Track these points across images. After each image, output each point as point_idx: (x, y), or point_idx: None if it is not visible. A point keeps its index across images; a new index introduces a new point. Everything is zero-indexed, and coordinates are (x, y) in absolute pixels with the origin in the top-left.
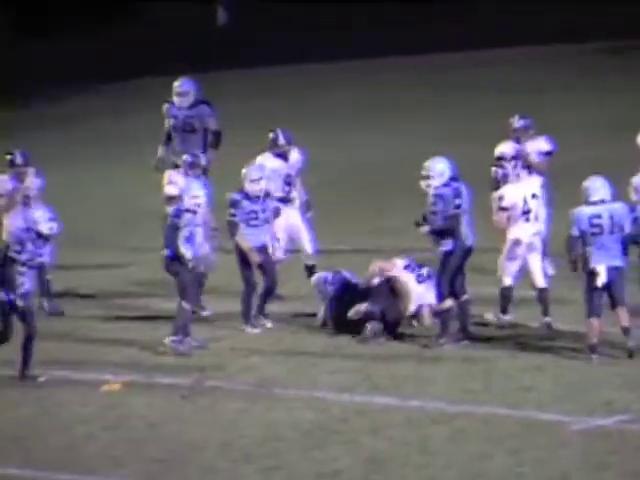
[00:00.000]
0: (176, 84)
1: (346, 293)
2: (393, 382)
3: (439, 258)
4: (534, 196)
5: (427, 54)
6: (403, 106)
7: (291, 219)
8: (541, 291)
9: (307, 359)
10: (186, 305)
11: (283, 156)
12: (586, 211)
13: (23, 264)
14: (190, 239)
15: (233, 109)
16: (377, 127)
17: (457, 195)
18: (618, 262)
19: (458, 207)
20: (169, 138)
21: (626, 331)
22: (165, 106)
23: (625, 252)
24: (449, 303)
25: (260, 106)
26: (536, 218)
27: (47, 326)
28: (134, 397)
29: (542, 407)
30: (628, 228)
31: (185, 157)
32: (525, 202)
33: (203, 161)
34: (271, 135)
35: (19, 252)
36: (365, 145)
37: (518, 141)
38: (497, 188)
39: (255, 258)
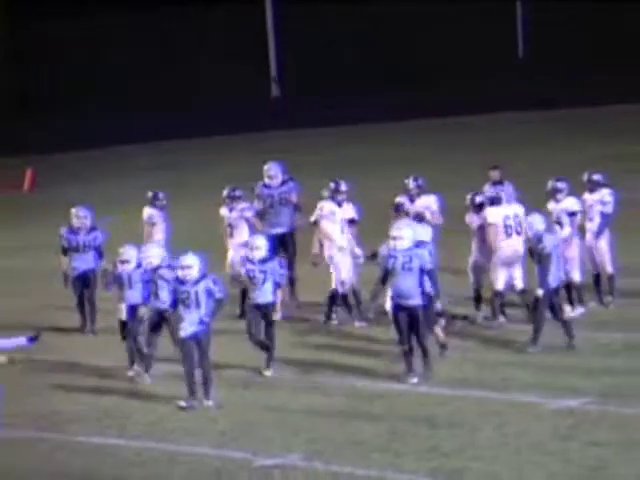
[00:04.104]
0: (266, 167)
1: None
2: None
3: None
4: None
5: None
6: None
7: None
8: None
9: (339, 353)
10: None
11: (411, 198)
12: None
13: None
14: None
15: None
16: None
17: None
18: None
19: None
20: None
21: (443, 346)
22: (257, 189)
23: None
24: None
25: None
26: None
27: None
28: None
29: (522, 391)
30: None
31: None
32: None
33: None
34: (405, 181)
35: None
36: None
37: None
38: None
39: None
